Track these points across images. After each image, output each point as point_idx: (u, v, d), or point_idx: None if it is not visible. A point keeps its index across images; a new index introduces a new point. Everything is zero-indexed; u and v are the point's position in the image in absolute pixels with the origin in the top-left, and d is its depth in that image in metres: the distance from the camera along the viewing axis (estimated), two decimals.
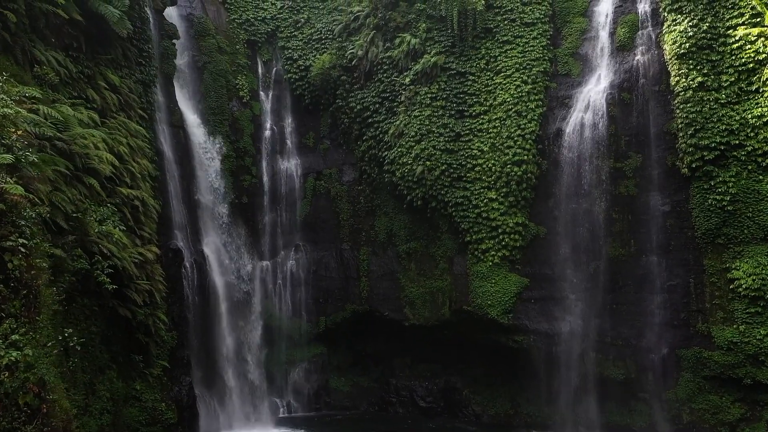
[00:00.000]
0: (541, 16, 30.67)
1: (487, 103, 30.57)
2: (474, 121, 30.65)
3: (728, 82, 25.56)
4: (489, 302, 29.38)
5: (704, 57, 26.06)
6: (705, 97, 25.87)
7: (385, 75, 32.79)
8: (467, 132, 30.61)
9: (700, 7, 26.32)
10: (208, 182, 31.14)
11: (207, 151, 31.45)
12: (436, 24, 31.84)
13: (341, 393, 33.77)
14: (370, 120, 33.05)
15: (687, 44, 26.26)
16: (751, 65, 25.08)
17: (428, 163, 30.50)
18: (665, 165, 27.29)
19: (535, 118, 29.54)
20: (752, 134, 24.97)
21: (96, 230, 16.93)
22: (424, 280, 31.75)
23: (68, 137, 17.11)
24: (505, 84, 30.32)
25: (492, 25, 31.15)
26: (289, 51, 35.59)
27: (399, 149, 31.40)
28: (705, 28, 26.06)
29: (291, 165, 35.08)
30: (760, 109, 24.78)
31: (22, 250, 11.04)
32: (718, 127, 25.53)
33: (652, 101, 27.69)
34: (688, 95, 26.17)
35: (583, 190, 28.64)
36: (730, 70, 25.58)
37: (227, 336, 30.32)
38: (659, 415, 27.01)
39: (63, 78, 19.80)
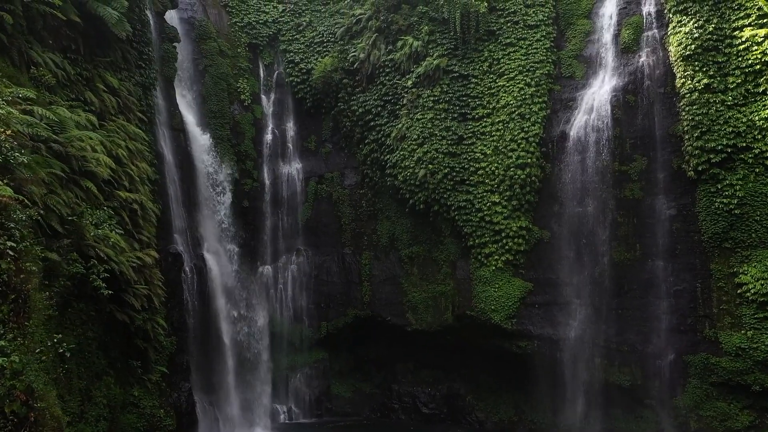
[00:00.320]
0: (545, 18, 30.40)
1: (490, 106, 30.28)
2: (477, 124, 30.34)
3: (735, 84, 25.21)
4: (492, 307, 29.02)
5: (710, 58, 25.72)
6: (711, 99, 25.52)
7: (387, 78, 32.54)
8: (470, 135, 30.31)
9: (705, 8, 25.99)
10: (209, 186, 30.88)
11: (207, 155, 31.17)
12: (439, 26, 31.60)
13: (343, 399, 33.40)
14: (372, 123, 32.79)
15: (692, 46, 25.93)
16: (758, 67, 24.72)
17: (431, 166, 30.20)
18: (671, 168, 26.92)
19: (539, 120, 29.23)
20: (759, 136, 24.60)
21: (92, 234, 16.64)
22: (427, 284, 31.40)
23: (64, 139, 16.87)
24: (508, 86, 30.03)
25: (495, 28, 30.88)
26: (291, 54, 35.39)
27: (401, 152, 31.12)
28: (711, 29, 25.73)
29: (292, 169, 34.84)
30: (767, 111, 24.40)
31: (11, 253, 10.76)
32: (725, 129, 25.17)
33: (657, 103, 27.35)
34: (694, 97, 25.82)
35: (587, 194, 28.29)
36: (737, 72, 25.23)
37: (227, 341, 29.99)
38: (666, 422, 26.58)
39: (60, 80, 19.58)
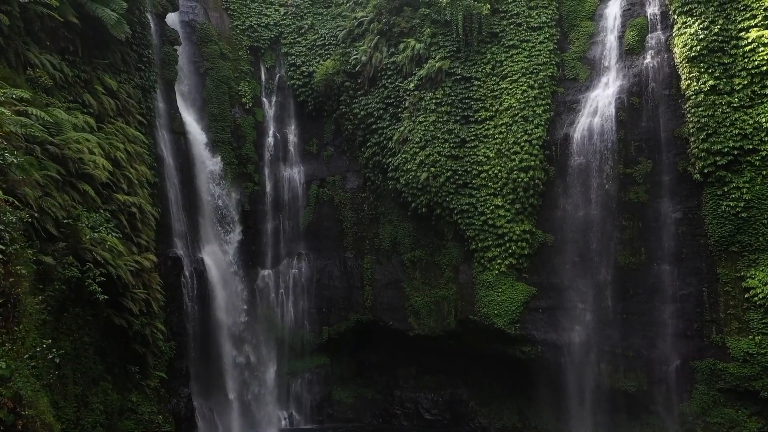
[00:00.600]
0: (548, 20, 30.15)
1: (493, 109, 30.01)
2: (479, 127, 30.07)
3: (741, 86, 24.86)
4: (495, 312, 28.67)
5: (716, 60, 25.38)
6: (717, 101, 25.18)
7: (389, 81, 32.31)
8: (473, 138, 30.03)
9: (711, 9, 25.68)
10: (209, 189, 30.66)
11: (208, 159, 30.97)
12: (441, 29, 31.38)
13: (344, 405, 33.04)
14: (374, 126, 32.55)
15: (698, 47, 25.60)
16: (765, 68, 24.35)
17: (433, 169, 29.93)
18: (676, 170, 26.56)
19: (542, 123, 28.94)
20: (766, 138, 24.23)
21: (88, 237, 16.39)
22: (429, 289, 31.08)
23: (60, 141, 16.65)
24: (511, 89, 29.76)
25: (498, 30, 30.64)
26: (293, 57, 35.21)
27: (403, 155, 30.85)
28: (716, 30, 25.40)
29: (294, 172, 34.60)
30: None
31: (0, 256, 10.50)
32: (731, 131, 24.82)
33: (662, 105, 27.02)
34: (699, 99, 25.48)
35: (591, 197, 27.95)
36: (743, 73, 24.88)
37: (227, 346, 29.71)
38: (672, 429, 26.15)
39: (58, 82, 19.38)
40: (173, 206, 27.40)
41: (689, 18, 26.15)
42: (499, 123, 29.63)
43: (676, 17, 26.69)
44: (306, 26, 35.58)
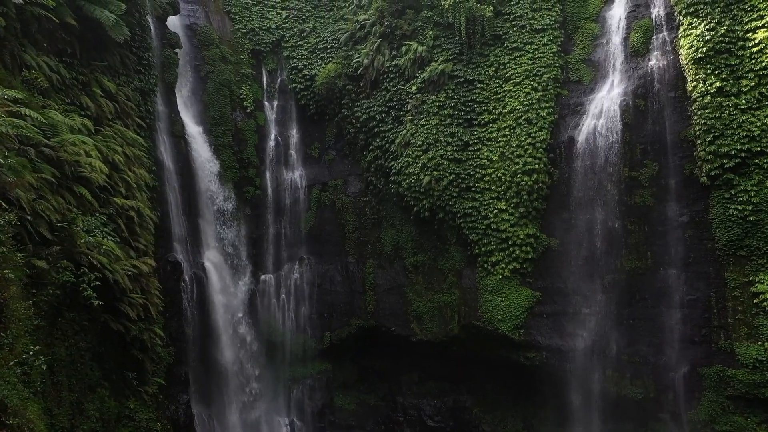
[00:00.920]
0: (552, 22, 29.85)
1: (496, 111, 29.68)
2: (483, 130, 29.74)
3: (748, 87, 24.50)
4: (499, 317, 28.26)
5: (722, 61, 25.04)
6: (724, 103, 24.80)
7: (391, 84, 32.03)
8: (476, 141, 29.71)
9: (717, 10, 25.35)
10: (210, 193, 30.37)
11: (209, 162, 30.70)
12: (444, 31, 31.11)
13: (346, 411, 32.61)
14: (376, 129, 32.25)
15: (704, 48, 25.27)
16: None
17: (435, 173, 29.59)
18: (683, 173, 26.16)
19: (546, 126, 28.60)
20: None
21: (83, 241, 16.09)
22: (432, 294, 30.69)
23: (56, 143, 16.39)
24: (514, 91, 29.44)
25: (501, 32, 30.35)
26: (294, 60, 34.98)
27: (405, 159, 30.53)
28: (723, 31, 25.07)
29: (295, 176, 34.29)
30: None
31: None
32: (739, 133, 24.43)
33: (668, 108, 26.65)
34: (706, 101, 25.10)
35: (596, 200, 27.58)
36: (750, 75, 24.54)
37: (228, 352, 29.35)
38: None
39: (55, 84, 19.17)
40: (173, 210, 27.12)
41: (695, 19, 25.83)
42: (503, 126, 29.30)
43: (681, 18, 26.37)
44: (308, 29, 35.38)
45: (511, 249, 28.37)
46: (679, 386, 25.78)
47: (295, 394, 32.05)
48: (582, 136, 28.08)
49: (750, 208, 24.12)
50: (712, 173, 24.90)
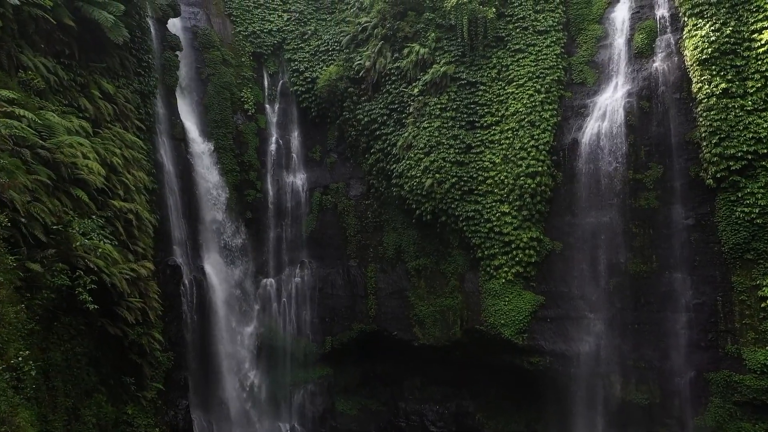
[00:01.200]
0: (555, 24, 29.60)
1: (499, 114, 29.41)
2: (485, 132, 29.47)
3: (754, 89, 24.19)
4: (502, 321, 27.93)
5: (728, 62, 24.74)
6: (730, 104, 24.49)
7: (393, 86, 31.81)
8: (478, 143, 29.43)
9: (722, 10, 25.07)
10: (210, 196, 30.14)
11: (209, 165, 30.49)
12: (446, 33, 30.88)
13: (348, 417, 32.26)
14: (377, 132, 32.01)
15: (709, 49, 24.97)
16: None
17: (438, 175, 29.31)
18: (688, 176, 25.84)
19: (549, 128, 28.32)
20: None
21: (79, 244, 15.84)
22: (434, 298, 30.37)
23: (52, 145, 16.17)
24: (517, 93, 29.17)
25: (503, 34, 30.12)
26: (296, 63, 34.79)
27: (407, 162, 30.27)
28: (728, 32, 24.78)
29: (297, 179, 34.06)
30: None
31: None
32: (745, 135, 24.11)
33: (673, 109, 26.34)
34: (711, 102, 24.79)
35: (600, 203, 27.26)
36: (756, 76, 24.22)
37: (228, 357, 29.07)
38: None
39: (52, 85, 18.97)
40: (173, 213, 26.92)
41: (700, 20, 25.54)
42: (506, 128, 29.03)
43: (686, 19, 26.08)
44: (309, 32, 35.20)
45: (514, 252, 28.06)
46: (686, 392, 25.39)
47: (296, 399, 31.72)
48: (586, 138, 27.79)
49: (757, 210, 23.77)
50: (718, 175, 24.57)
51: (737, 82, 24.53)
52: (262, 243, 32.88)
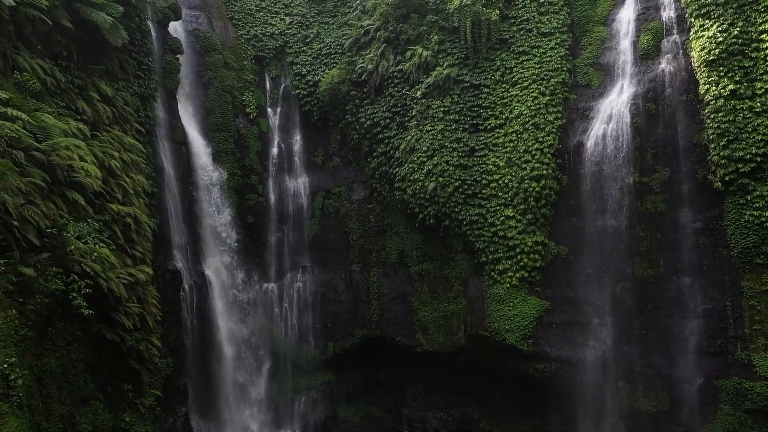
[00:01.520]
0: (559, 26, 29.28)
1: (503, 116, 29.06)
2: (489, 135, 29.12)
3: (763, 90, 23.83)
4: (507, 327, 27.49)
5: (736, 63, 24.37)
6: (738, 106, 24.08)
7: (395, 89, 31.51)
8: (482, 146, 29.09)
9: (729, 11, 24.71)
10: (212, 200, 29.84)
11: (211, 169, 30.20)
12: (449, 36, 30.60)
13: (350, 423, 31.80)
14: (380, 136, 31.70)
15: (717, 50, 24.60)
16: None
17: (441, 179, 28.95)
18: (696, 179, 25.41)
19: (554, 130, 27.96)
20: None
21: (73, 247, 15.52)
22: (438, 303, 29.96)
23: (47, 147, 15.88)
24: (521, 96, 28.83)
25: (507, 36, 29.80)
26: (298, 66, 34.54)
27: (410, 165, 29.92)
28: (736, 33, 24.41)
29: (299, 183, 33.73)
30: None
31: None
32: (754, 137, 23.70)
33: (679, 111, 25.95)
34: (719, 104, 24.39)
35: (606, 207, 26.86)
36: (765, 77, 23.88)
37: (229, 362, 28.69)
38: None
39: (49, 87, 18.72)
40: (173, 218, 26.62)
41: (707, 21, 25.19)
42: (510, 131, 28.67)
43: (693, 20, 25.73)
44: (312, 35, 34.97)
45: (519, 257, 27.64)
46: (694, 399, 24.87)
47: (297, 405, 31.29)
48: (591, 140, 27.41)
49: (767, 214, 23.32)
50: (727, 178, 24.13)
51: (745, 84, 24.15)
52: (264, 247, 32.53)
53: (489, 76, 29.72)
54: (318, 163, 34.24)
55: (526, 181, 27.75)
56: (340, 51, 34.13)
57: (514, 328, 27.43)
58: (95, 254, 16.38)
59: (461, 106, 29.66)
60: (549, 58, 28.93)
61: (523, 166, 27.91)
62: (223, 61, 32.61)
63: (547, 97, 28.33)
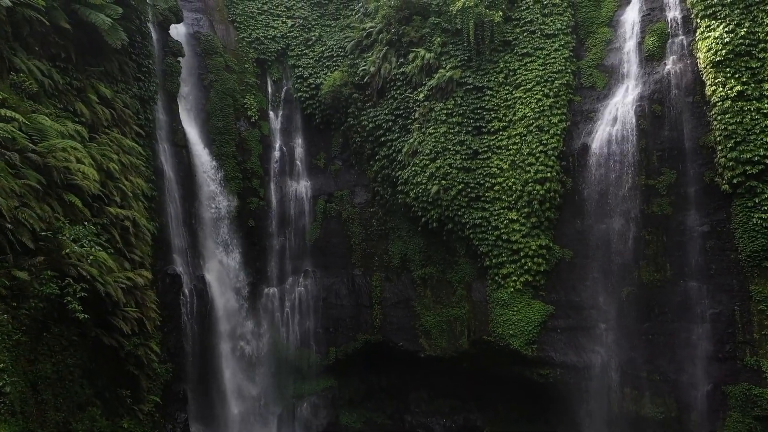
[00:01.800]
0: (563, 27, 29.01)
1: (507, 119, 28.76)
2: (492, 138, 28.82)
3: None
4: (511, 332, 27.11)
5: (743, 64, 24.04)
6: (745, 107, 23.73)
7: (398, 92, 31.25)
8: (485, 149, 28.78)
9: (736, 11, 24.40)
10: (212, 204, 29.57)
11: (211, 172, 29.93)
12: (452, 38, 30.35)
13: (353, 430, 31.40)
14: (382, 139, 31.42)
15: (723, 51, 24.27)
16: None
17: (444, 182, 28.64)
18: (702, 181, 25.04)
19: (558, 133, 27.63)
20: None
21: (68, 251, 15.24)
22: (441, 307, 29.60)
23: (43, 149, 15.63)
24: (525, 98, 28.53)
25: (510, 38, 29.54)
26: (300, 69, 34.33)
27: (413, 168, 29.62)
28: (743, 33, 24.10)
29: (300, 187, 33.46)
30: None
31: None
32: (762, 139, 23.35)
33: (686, 113, 25.60)
34: (726, 105, 24.03)
35: (611, 210, 26.50)
36: None
37: (229, 368, 28.39)
38: None
39: (47, 89, 18.50)
40: (173, 221, 26.37)
41: (713, 21, 24.88)
42: (513, 133, 28.36)
43: (698, 21, 25.42)
44: (314, 38, 34.78)
45: (523, 261, 27.28)
46: (702, 405, 24.42)
47: (299, 411, 30.91)
48: (596, 143, 27.07)
49: None
50: (734, 181, 23.75)
51: (753, 85, 23.82)
52: (265, 251, 32.24)
53: (492, 78, 29.46)
54: (320, 167, 33.97)
55: (530, 184, 27.41)
56: (342, 54, 33.91)
57: (518, 333, 27.05)
58: (91, 258, 16.10)
59: (464, 108, 29.38)
60: (553, 60, 28.63)
61: (527, 168, 27.59)
62: (225, 64, 32.43)
63: (551, 99, 28.02)
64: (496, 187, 28.16)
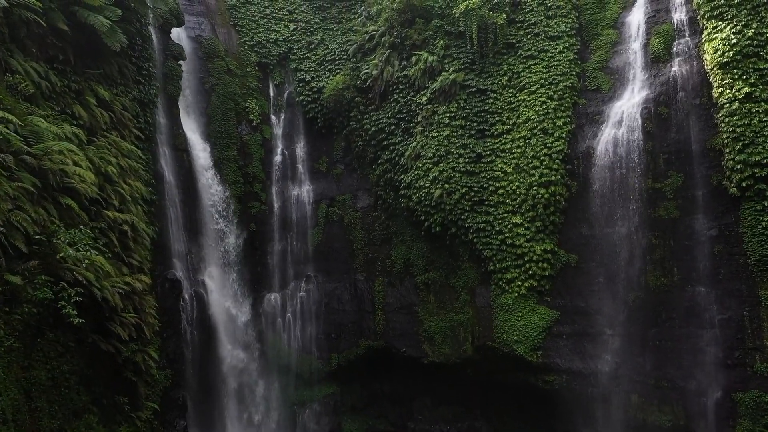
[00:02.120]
0: (567, 30, 28.70)
1: (510, 122, 28.43)
2: (496, 141, 28.48)
3: None
4: (515, 338, 26.69)
5: (750, 65, 23.65)
6: (753, 109, 23.32)
7: (401, 95, 30.98)
8: (489, 152, 28.44)
9: (743, 12, 24.04)
10: (213, 208, 29.29)
11: (212, 176, 29.67)
12: (455, 40, 30.08)
13: None
14: (385, 142, 31.13)
15: (730, 52, 23.89)
16: None
17: (447, 186, 28.30)
18: (710, 184, 24.62)
19: (563, 135, 27.29)
20: None
21: (63, 255, 14.95)
22: (444, 313, 29.21)
23: (39, 151, 15.36)
24: (529, 101, 28.20)
25: (514, 40, 29.25)
26: (302, 73, 34.12)
27: (416, 172, 29.30)
28: (750, 34, 23.72)
29: (302, 191, 33.19)
30: None
31: None
32: None
33: (692, 115, 25.21)
34: (734, 107, 23.63)
35: (617, 214, 26.09)
36: None
37: (230, 374, 28.04)
38: None
39: (44, 91, 18.27)
40: (173, 225, 26.10)
41: (720, 22, 24.50)
42: (517, 136, 28.02)
43: (705, 22, 25.05)
44: (316, 41, 34.58)
45: (528, 265, 26.88)
46: (711, 413, 23.90)
47: (301, 418, 30.52)
48: (601, 146, 26.70)
49: None
50: (743, 184, 23.31)
51: (761, 86, 23.42)
52: (267, 256, 31.95)
53: (496, 81, 29.15)
54: (322, 171, 33.71)
55: (534, 188, 27.05)
56: (344, 57, 33.70)
57: (522, 339, 26.63)
58: (87, 262, 15.81)
59: (467, 111, 29.07)
60: (557, 62, 28.32)
61: (531, 172, 27.23)
62: (226, 67, 32.25)
63: (556, 102, 27.69)
64: (500, 191, 27.81)
